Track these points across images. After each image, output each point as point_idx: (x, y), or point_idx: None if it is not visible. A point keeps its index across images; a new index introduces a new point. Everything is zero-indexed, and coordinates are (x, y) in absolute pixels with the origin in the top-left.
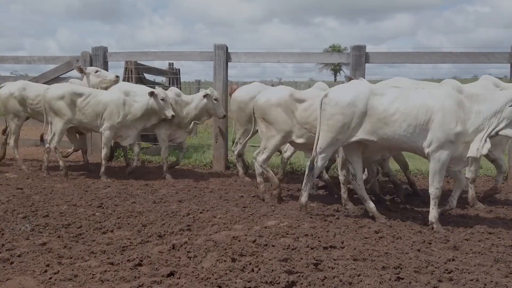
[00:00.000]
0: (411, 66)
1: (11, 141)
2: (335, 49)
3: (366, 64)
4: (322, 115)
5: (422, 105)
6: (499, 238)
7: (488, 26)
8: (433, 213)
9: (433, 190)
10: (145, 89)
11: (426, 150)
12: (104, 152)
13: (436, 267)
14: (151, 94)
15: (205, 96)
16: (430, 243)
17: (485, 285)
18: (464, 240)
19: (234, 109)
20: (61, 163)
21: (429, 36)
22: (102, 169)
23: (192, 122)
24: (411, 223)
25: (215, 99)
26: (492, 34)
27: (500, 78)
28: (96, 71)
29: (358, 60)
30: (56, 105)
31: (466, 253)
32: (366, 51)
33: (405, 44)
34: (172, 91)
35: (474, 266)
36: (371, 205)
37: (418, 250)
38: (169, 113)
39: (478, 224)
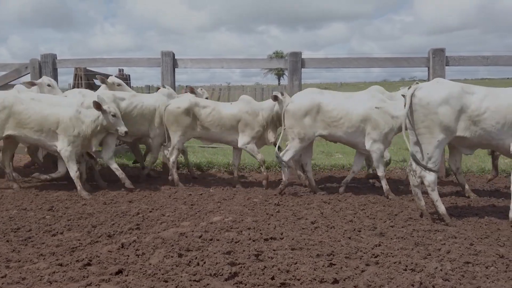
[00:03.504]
0: (345, 70)
1: None
2: (278, 55)
3: (302, 69)
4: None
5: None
6: (420, 224)
7: (412, 33)
8: None
9: None
10: None
11: None
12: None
13: (364, 253)
14: None
15: None
16: (359, 231)
17: (407, 266)
18: (390, 227)
19: None
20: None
21: (361, 43)
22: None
23: None
24: (344, 213)
25: None
26: (416, 40)
27: (423, 80)
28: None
29: (295, 66)
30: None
31: (391, 238)
32: (302, 57)
33: (340, 50)
34: None
35: (398, 250)
36: None
37: (349, 238)
38: None
39: (402, 211)
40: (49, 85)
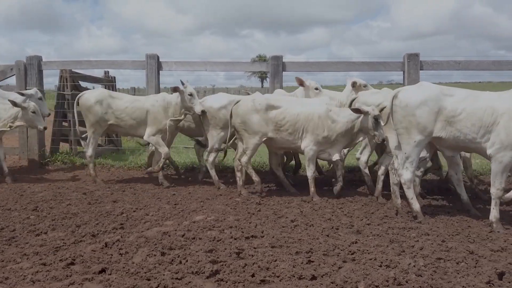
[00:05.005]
0: (326, 74)
1: None
2: (262, 59)
3: (284, 72)
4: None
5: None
6: (395, 222)
7: (389, 38)
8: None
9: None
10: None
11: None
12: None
13: (341, 250)
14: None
15: None
16: (337, 229)
17: (382, 262)
18: (366, 225)
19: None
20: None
21: (341, 47)
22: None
23: None
24: (322, 211)
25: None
26: (393, 45)
27: (400, 84)
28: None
29: (276, 69)
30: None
31: (367, 236)
32: (283, 60)
33: (321, 54)
34: None
35: (373, 247)
36: None
37: (327, 236)
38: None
39: (378, 210)
40: (316, 89)
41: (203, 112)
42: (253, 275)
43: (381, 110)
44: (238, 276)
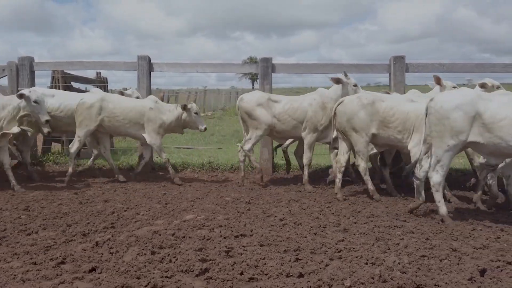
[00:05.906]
0: (315, 75)
1: None
2: (252, 61)
3: (273, 74)
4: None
5: None
6: (381, 220)
7: (377, 41)
8: None
9: None
10: None
11: None
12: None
13: (328, 248)
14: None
15: None
16: (325, 227)
17: (367, 260)
18: (353, 223)
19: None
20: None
21: (330, 50)
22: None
23: None
24: (310, 210)
25: None
26: (380, 48)
27: (387, 86)
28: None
29: (266, 71)
30: None
31: (354, 234)
32: (273, 62)
33: (311, 56)
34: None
35: (360, 245)
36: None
37: (315, 234)
38: None
39: (365, 208)
40: (454, 88)
41: None
42: (241, 273)
43: None
44: (227, 274)
